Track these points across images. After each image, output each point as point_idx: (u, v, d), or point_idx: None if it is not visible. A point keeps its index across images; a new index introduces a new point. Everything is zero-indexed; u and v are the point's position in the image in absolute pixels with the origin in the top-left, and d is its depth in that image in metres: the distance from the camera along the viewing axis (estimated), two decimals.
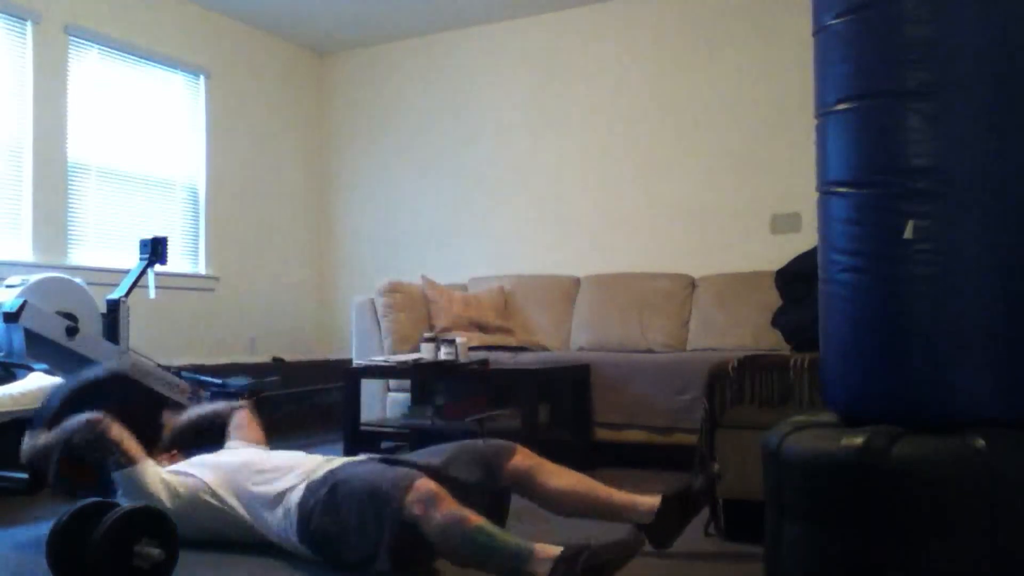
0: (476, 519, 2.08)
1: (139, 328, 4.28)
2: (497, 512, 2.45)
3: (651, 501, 2.39)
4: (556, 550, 1.98)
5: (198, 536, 2.45)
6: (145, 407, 2.94)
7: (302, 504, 2.33)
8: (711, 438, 2.56)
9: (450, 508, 2.10)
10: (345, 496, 2.26)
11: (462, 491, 2.25)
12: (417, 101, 5.97)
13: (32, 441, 2.60)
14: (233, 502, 2.46)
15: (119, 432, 2.50)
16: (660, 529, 2.36)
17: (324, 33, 5.99)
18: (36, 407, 3.25)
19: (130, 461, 2.47)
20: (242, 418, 2.98)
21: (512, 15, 5.63)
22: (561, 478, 2.45)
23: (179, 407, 3.08)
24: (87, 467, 2.55)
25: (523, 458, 2.47)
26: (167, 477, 2.52)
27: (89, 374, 2.90)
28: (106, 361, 3.05)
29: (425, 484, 2.15)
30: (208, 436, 2.90)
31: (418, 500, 2.11)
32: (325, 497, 2.29)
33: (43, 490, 3.35)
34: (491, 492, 2.45)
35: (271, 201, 5.94)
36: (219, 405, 3.05)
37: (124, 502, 2.46)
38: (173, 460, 2.71)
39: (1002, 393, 1.67)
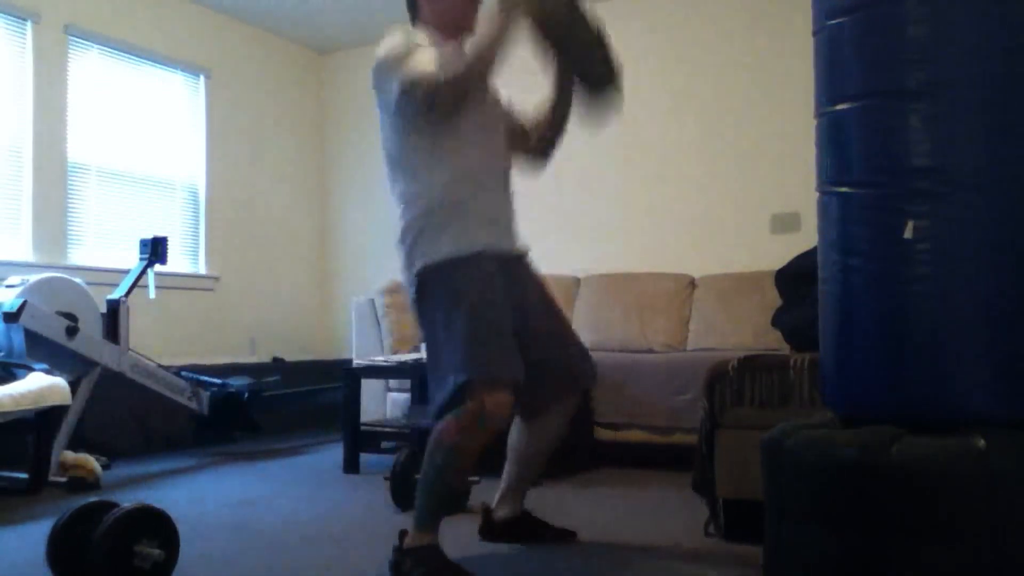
0: (460, 472, 2.24)
1: (139, 328, 4.28)
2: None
3: (512, 512, 2.57)
4: (435, 540, 2.16)
5: None
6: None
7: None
8: (711, 438, 2.56)
9: (468, 443, 2.17)
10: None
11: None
12: None
13: None
14: None
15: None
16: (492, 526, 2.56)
17: (324, 33, 5.99)
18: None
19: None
20: None
21: None
22: (546, 442, 2.56)
23: None
24: None
25: (574, 402, 2.59)
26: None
27: None
28: None
29: (494, 401, 2.16)
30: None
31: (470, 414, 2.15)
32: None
33: (43, 490, 3.36)
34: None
35: (271, 201, 5.94)
36: None
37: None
38: None
39: (1002, 393, 1.67)
